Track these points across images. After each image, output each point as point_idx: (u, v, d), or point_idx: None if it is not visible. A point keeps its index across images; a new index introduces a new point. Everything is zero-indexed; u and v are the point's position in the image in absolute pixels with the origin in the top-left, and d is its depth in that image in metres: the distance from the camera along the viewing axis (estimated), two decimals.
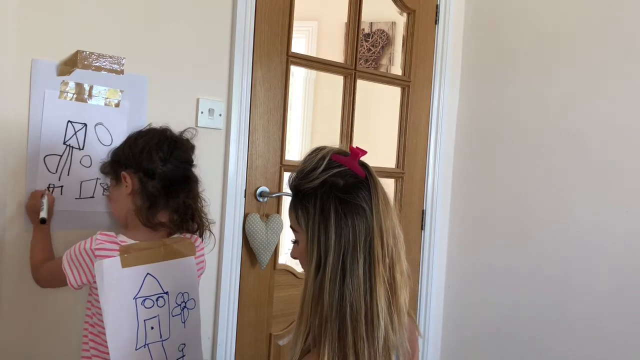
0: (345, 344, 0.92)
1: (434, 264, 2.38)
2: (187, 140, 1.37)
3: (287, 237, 3.26)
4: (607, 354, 1.97)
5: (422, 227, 2.38)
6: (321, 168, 0.99)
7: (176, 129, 1.39)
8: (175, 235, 1.36)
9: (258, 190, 1.85)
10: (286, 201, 2.08)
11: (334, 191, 0.97)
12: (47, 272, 1.32)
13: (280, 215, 1.90)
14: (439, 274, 2.42)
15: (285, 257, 2.20)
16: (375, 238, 0.96)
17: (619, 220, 1.96)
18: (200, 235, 1.41)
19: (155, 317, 1.28)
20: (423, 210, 2.38)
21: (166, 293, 1.30)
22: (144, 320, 1.26)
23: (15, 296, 1.40)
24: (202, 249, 1.40)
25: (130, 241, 1.27)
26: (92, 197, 1.49)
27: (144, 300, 1.26)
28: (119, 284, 1.23)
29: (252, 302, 1.87)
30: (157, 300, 1.28)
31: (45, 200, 1.35)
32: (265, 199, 1.86)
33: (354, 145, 1.03)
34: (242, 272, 1.82)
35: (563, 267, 2.08)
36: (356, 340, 0.93)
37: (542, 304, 2.13)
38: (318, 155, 1.01)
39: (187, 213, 1.35)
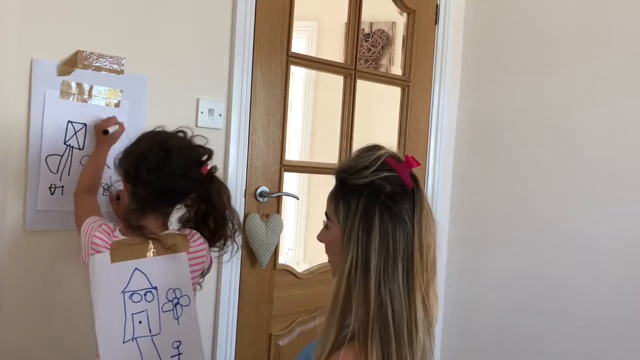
0: (390, 349, 0.94)
1: None
2: (198, 147, 1.36)
3: (287, 237, 3.25)
4: (606, 354, 1.97)
5: None
6: (373, 168, 0.99)
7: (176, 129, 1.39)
8: (169, 231, 1.36)
9: (258, 190, 1.85)
10: (286, 201, 2.08)
11: (381, 196, 0.97)
12: (77, 209, 1.39)
13: (280, 215, 1.90)
14: (439, 274, 2.41)
15: (285, 257, 2.20)
16: (415, 252, 0.97)
17: (619, 220, 1.96)
18: (218, 241, 1.42)
19: (143, 311, 1.30)
20: None
21: (155, 288, 1.31)
22: (132, 314, 1.28)
23: (15, 297, 1.40)
24: (201, 244, 1.39)
25: (121, 237, 1.30)
26: None
27: (132, 294, 1.29)
28: (108, 278, 1.27)
29: (252, 302, 1.87)
30: (145, 295, 1.30)
31: (116, 126, 1.44)
32: (265, 199, 1.86)
33: (410, 155, 1.03)
34: (242, 272, 1.82)
35: (563, 267, 2.08)
36: (399, 346, 0.94)
37: (542, 304, 2.13)
38: (374, 155, 1.01)
39: (197, 218, 1.39)
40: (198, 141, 1.39)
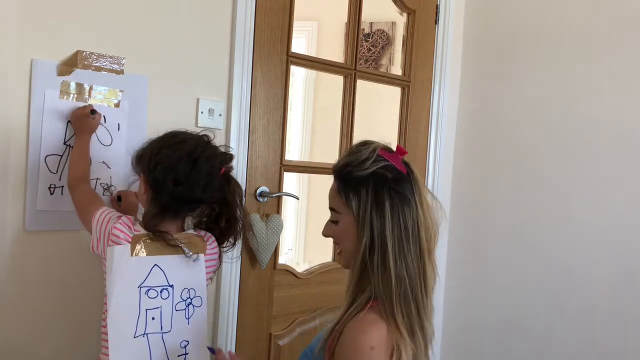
0: (411, 313, 1.08)
1: None
2: (223, 154, 1.36)
3: (287, 237, 3.25)
4: (606, 354, 1.97)
5: None
6: (372, 159, 1.12)
7: (176, 129, 1.38)
8: (189, 232, 1.36)
9: (258, 190, 1.85)
10: (286, 201, 2.08)
11: (387, 181, 1.10)
12: (79, 200, 1.37)
13: (280, 215, 1.90)
14: (439, 274, 2.42)
15: (285, 257, 2.20)
16: (421, 227, 1.11)
17: (619, 220, 1.96)
18: (228, 239, 1.42)
19: (157, 308, 1.29)
20: None
21: (171, 286, 1.31)
22: (146, 310, 1.27)
23: (15, 297, 1.40)
24: (215, 247, 1.40)
25: (143, 231, 1.29)
26: None
27: (148, 290, 1.28)
28: (126, 271, 1.25)
29: (252, 302, 1.87)
30: (161, 291, 1.29)
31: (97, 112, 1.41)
32: (265, 199, 1.86)
33: (398, 145, 1.17)
34: (242, 272, 1.82)
35: (563, 267, 2.08)
36: (418, 309, 1.10)
37: (542, 304, 2.13)
38: (369, 148, 1.14)
39: (210, 219, 1.38)
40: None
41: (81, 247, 1.39)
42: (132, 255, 1.26)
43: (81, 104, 1.44)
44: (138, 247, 1.27)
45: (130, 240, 1.26)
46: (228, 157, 1.38)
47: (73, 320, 1.48)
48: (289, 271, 1.99)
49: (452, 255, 2.42)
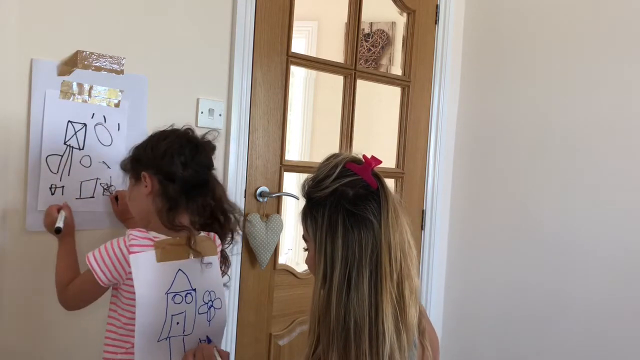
0: (349, 358, 0.90)
1: (434, 264, 2.38)
2: (209, 142, 1.37)
3: (287, 237, 3.26)
4: (606, 353, 1.97)
5: (422, 227, 2.38)
6: (333, 177, 0.97)
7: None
8: (201, 234, 1.36)
9: (258, 190, 1.85)
10: (286, 201, 2.08)
11: (342, 202, 0.95)
12: (74, 290, 1.30)
13: (280, 215, 1.90)
14: (439, 274, 2.42)
15: (285, 257, 2.20)
16: (383, 253, 0.93)
17: (618, 220, 1.96)
18: (228, 235, 1.42)
19: (182, 313, 1.29)
20: (423, 210, 2.38)
21: (194, 290, 1.31)
22: (172, 315, 1.27)
23: (16, 298, 1.40)
24: (219, 246, 1.41)
25: (162, 236, 1.28)
26: (92, 197, 1.49)
27: (174, 295, 1.28)
28: (154, 277, 1.24)
29: (252, 302, 1.87)
30: (185, 296, 1.29)
31: (62, 213, 1.34)
32: (265, 199, 1.86)
33: (368, 155, 1.00)
34: (242, 272, 1.82)
35: (563, 267, 2.08)
36: (359, 356, 0.90)
37: (542, 304, 2.13)
38: (331, 163, 0.99)
39: (206, 215, 1.36)
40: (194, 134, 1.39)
41: (81, 248, 1.39)
42: (157, 261, 1.24)
43: (81, 104, 1.43)
44: (162, 252, 1.26)
45: (152, 245, 1.24)
46: (213, 147, 1.38)
47: (73, 321, 1.48)
48: (289, 271, 1.99)
49: (451, 255, 2.42)
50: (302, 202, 1.03)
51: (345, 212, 0.94)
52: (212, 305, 1.35)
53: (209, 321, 1.34)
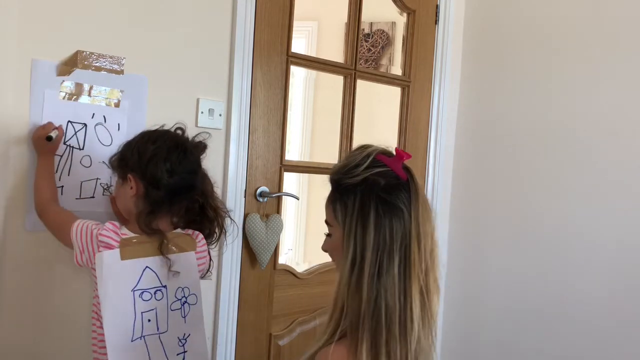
0: (379, 342, 0.94)
1: None
2: (199, 143, 1.37)
3: (287, 237, 3.25)
4: (606, 351, 1.97)
5: None
6: (364, 165, 1.00)
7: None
8: (177, 231, 1.36)
9: (258, 190, 1.85)
10: (286, 201, 2.08)
11: (375, 190, 0.98)
12: (53, 220, 1.33)
13: (280, 216, 1.90)
14: (440, 275, 2.42)
15: (285, 257, 2.20)
16: (412, 241, 0.97)
17: (618, 220, 1.96)
18: (215, 232, 1.42)
19: (152, 310, 1.29)
20: None
21: (164, 287, 1.31)
22: (142, 313, 1.27)
23: (16, 297, 1.40)
24: (204, 245, 1.40)
25: (131, 234, 1.29)
26: (92, 197, 1.49)
27: (142, 292, 1.28)
28: (118, 275, 1.25)
29: (252, 302, 1.87)
30: (155, 293, 1.29)
31: (55, 131, 1.36)
32: (265, 199, 1.86)
33: (400, 148, 1.04)
34: (242, 272, 1.82)
35: (563, 267, 2.08)
36: (389, 339, 0.94)
37: (542, 304, 2.13)
38: (363, 153, 1.03)
39: (193, 214, 1.37)
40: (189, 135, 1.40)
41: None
42: (122, 259, 1.25)
43: (81, 105, 1.44)
44: (127, 250, 1.26)
45: (118, 242, 1.26)
46: (203, 146, 1.38)
47: (73, 321, 1.48)
48: (289, 271, 1.99)
49: (452, 255, 2.42)
50: (324, 190, 1.06)
51: (377, 199, 0.98)
52: (186, 302, 1.34)
53: (184, 317, 1.34)
